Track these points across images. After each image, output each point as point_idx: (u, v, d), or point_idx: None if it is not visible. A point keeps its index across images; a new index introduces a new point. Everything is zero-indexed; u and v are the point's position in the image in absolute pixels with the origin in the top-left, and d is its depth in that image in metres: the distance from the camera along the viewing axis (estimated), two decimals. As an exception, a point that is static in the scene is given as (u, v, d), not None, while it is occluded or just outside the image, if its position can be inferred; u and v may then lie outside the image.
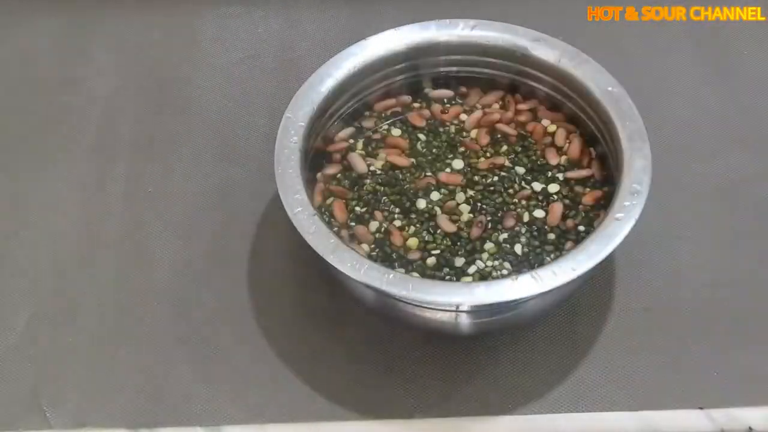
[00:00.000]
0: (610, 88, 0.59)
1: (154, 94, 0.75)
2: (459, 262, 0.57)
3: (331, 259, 0.52)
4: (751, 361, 0.57)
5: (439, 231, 0.58)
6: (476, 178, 0.61)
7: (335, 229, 0.58)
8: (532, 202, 0.60)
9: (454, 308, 0.55)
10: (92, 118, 0.73)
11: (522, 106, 0.65)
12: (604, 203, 0.59)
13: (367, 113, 0.65)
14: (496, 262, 0.57)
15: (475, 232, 0.58)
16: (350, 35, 0.66)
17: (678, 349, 0.58)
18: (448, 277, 0.56)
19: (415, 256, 0.57)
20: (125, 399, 0.57)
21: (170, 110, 0.73)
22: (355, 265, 0.52)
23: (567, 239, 0.58)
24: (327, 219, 0.59)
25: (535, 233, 0.58)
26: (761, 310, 0.60)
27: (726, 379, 0.57)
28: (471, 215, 0.59)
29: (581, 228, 0.58)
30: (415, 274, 0.56)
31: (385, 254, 0.57)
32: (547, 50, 0.62)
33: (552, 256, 0.57)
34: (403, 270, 0.56)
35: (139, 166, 0.69)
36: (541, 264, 0.56)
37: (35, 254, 0.64)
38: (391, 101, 0.66)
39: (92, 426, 0.56)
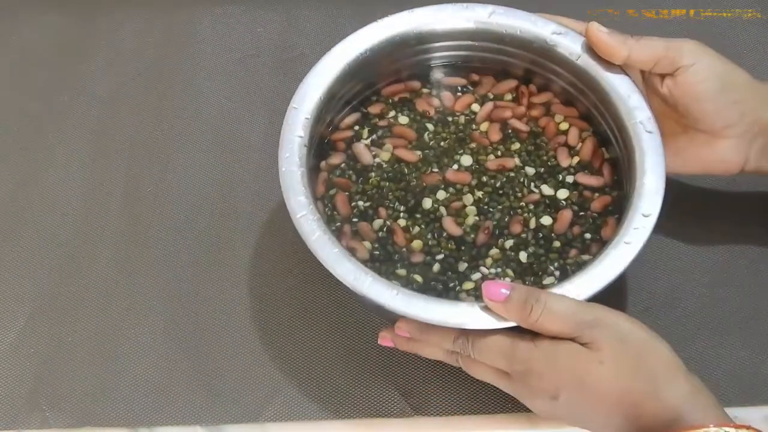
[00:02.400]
0: (629, 95, 0.57)
1: (153, 93, 0.75)
2: (462, 267, 0.56)
3: (335, 271, 0.51)
4: (750, 361, 0.57)
5: (444, 234, 0.57)
6: (484, 178, 0.59)
7: (338, 224, 0.58)
8: (540, 208, 0.58)
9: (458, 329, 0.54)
10: (92, 118, 0.73)
11: (535, 99, 0.62)
12: (612, 209, 0.57)
13: (374, 98, 0.63)
14: (499, 269, 0.56)
15: (481, 238, 0.57)
16: (350, 35, 0.66)
17: (677, 349, 0.57)
18: (451, 284, 0.55)
19: (418, 258, 0.56)
20: (125, 399, 0.57)
21: (170, 110, 0.73)
22: (359, 277, 0.51)
23: (572, 247, 0.56)
24: (329, 212, 0.58)
25: (541, 241, 0.57)
26: (761, 310, 0.60)
27: (726, 379, 0.57)
28: (477, 218, 0.58)
29: (587, 236, 0.57)
30: (418, 276, 0.55)
31: (387, 253, 0.56)
32: (567, 44, 0.59)
33: (556, 264, 0.56)
34: (405, 271, 0.56)
35: (139, 166, 0.69)
36: (545, 272, 0.55)
37: (35, 254, 0.65)
38: (400, 86, 0.63)
39: (92, 426, 0.56)
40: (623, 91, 0.57)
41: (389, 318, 0.58)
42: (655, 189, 0.54)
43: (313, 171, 0.57)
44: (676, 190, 0.65)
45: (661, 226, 0.63)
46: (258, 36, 0.78)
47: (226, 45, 0.78)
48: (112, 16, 0.80)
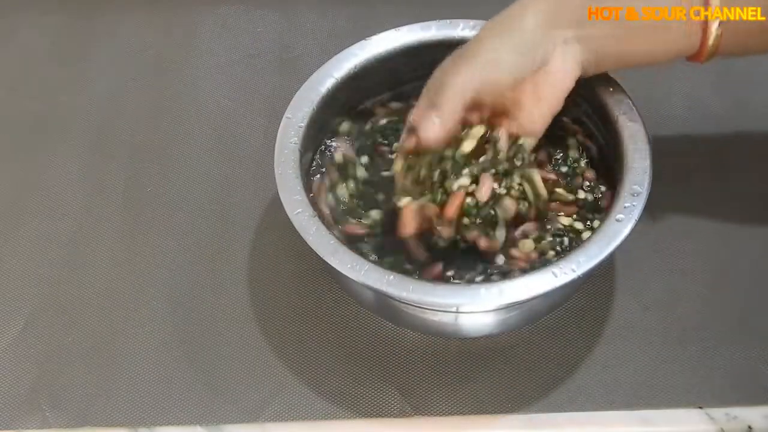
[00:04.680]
0: (611, 89, 0.59)
1: (153, 93, 0.75)
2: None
3: (332, 261, 0.52)
4: (751, 361, 0.57)
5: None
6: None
7: (337, 227, 0.58)
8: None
9: (454, 309, 0.55)
10: (92, 118, 0.73)
11: None
12: (603, 204, 0.58)
13: (366, 113, 0.65)
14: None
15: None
16: (350, 35, 0.66)
17: (678, 349, 0.58)
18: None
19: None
20: (125, 399, 0.57)
21: (170, 110, 0.73)
22: (355, 266, 0.52)
23: (564, 236, 0.57)
24: (328, 219, 0.59)
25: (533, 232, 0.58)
26: (761, 310, 0.60)
27: (726, 379, 0.57)
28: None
29: (578, 226, 0.58)
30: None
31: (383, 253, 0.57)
32: None
33: (551, 253, 0.56)
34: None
35: (139, 166, 0.69)
36: (542, 263, 0.56)
37: (35, 254, 0.65)
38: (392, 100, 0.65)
39: (92, 426, 0.56)
40: (604, 84, 0.59)
41: (389, 317, 0.59)
42: (642, 169, 0.55)
43: (308, 186, 0.58)
44: (676, 190, 0.65)
45: (661, 227, 0.63)
46: (258, 36, 0.79)
47: (226, 45, 0.78)
48: (112, 16, 0.81)
